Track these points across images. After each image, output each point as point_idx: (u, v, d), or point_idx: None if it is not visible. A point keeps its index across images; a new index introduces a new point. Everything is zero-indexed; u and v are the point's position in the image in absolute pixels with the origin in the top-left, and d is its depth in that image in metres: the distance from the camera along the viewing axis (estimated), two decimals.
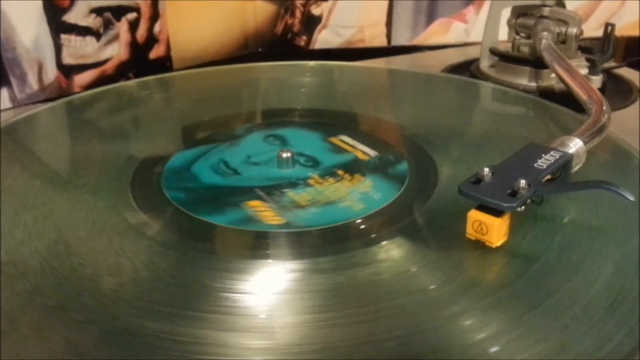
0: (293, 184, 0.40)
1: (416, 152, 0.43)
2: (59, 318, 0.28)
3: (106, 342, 0.27)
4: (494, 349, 0.26)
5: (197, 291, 0.30)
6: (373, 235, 0.34)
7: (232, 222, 0.35)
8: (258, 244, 0.34)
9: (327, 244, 0.34)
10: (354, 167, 0.41)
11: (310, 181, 0.40)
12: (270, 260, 0.32)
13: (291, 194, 0.38)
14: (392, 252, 0.33)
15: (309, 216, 0.36)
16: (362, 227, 0.35)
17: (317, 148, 0.44)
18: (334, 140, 0.46)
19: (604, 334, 0.27)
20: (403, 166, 0.41)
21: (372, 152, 0.43)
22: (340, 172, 0.41)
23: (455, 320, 0.28)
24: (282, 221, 0.35)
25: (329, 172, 0.41)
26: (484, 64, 0.64)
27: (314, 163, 0.42)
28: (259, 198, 0.38)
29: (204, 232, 0.35)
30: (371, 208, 0.36)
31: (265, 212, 0.36)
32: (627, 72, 0.65)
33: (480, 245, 0.32)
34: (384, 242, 0.33)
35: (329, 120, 0.49)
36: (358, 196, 0.38)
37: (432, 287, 0.30)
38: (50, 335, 0.27)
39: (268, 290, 0.30)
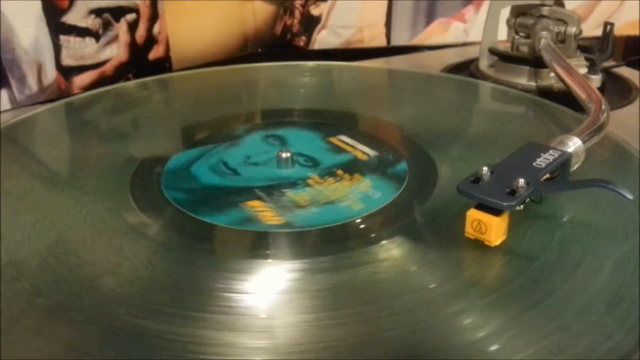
0: (292, 184, 0.40)
1: (415, 152, 0.43)
2: (59, 319, 0.28)
3: (106, 342, 0.27)
4: (493, 348, 0.26)
5: (197, 291, 0.30)
6: (373, 235, 0.34)
7: (232, 222, 0.35)
8: (258, 244, 0.34)
9: (327, 244, 0.34)
10: (353, 167, 0.41)
11: (309, 181, 0.40)
12: (270, 260, 0.32)
13: (290, 193, 0.38)
14: (391, 251, 0.33)
15: (309, 216, 0.36)
16: (362, 226, 0.35)
17: (317, 148, 0.44)
18: (334, 140, 0.46)
19: (603, 332, 0.27)
20: (402, 166, 0.41)
21: (372, 152, 0.43)
22: (339, 172, 0.41)
23: (455, 319, 0.28)
24: (282, 221, 0.35)
25: (329, 172, 0.41)
26: (483, 64, 0.64)
27: (314, 163, 0.42)
28: (259, 198, 0.38)
29: (203, 232, 0.35)
30: (371, 207, 0.36)
31: (265, 212, 0.36)
32: (626, 71, 0.65)
33: (479, 244, 0.32)
34: (383, 242, 0.33)
35: (328, 121, 0.49)
36: (358, 196, 0.38)
37: (431, 286, 0.30)
38: (50, 335, 0.27)
39: (268, 290, 0.30)
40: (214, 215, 0.36)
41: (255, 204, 0.37)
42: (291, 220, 0.35)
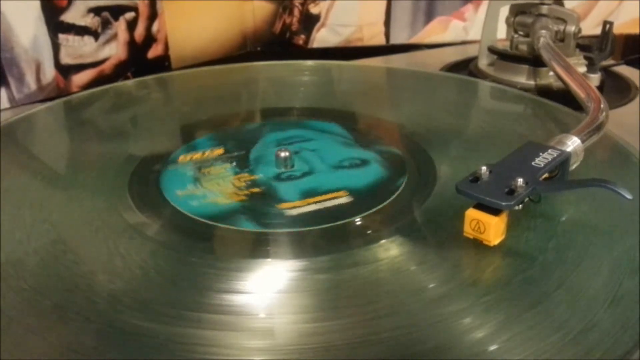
0: (244, 166, 0.42)
1: (415, 151, 0.43)
2: (58, 318, 0.28)
3: (105, 342, 0.27)
4: (492, 347, 0.26)
5: (196, 291, 0.30)
6: (372, 234, 0.34)
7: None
8: (257, 244, 0.34)
9: (327, 243, 0.34)
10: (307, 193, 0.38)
11: (245, 173, 0.41)
12: (269, 260, 0.32)
13: (222, 166, 0.42)
14: (390, 250, 0.33)
15: (172, 175, 0.41)
16: (361, 226, 0.35)
17: (346, 178, 0.40)
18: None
19: (602, 332, 0.27)
20: (401, 164, 0.41)
21: (348, 200, 0.37)
22: (264, 189, 0.39)
23: (454, 319, 0.28)
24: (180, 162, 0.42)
25: (269, 183, 0.39)
26: (483, 63, 0.64)
27: (300, 177, 0.40)
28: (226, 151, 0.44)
29: (202, 231, 0.35)
30: (181, 207, 0.37)
31: (186, 157, 0.43)
32: (625, 70, 0.65)
33: (478, 244, 0.32)
34: (382, 241, 0.33)
35: (327, 119, 0.49)
36: (201, 198, 0.38)
37: (430, 285, 0.30)
38: (49, 335, 0.27)
39: (267, 290, 0.30)
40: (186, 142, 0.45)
41: (218, 151, 0.44)
42: (165, 165, 0.42)
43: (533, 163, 0.34)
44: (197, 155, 0.43)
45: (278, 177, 0.40)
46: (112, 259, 0.32)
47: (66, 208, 0.37)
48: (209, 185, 0.39)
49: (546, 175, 0.34)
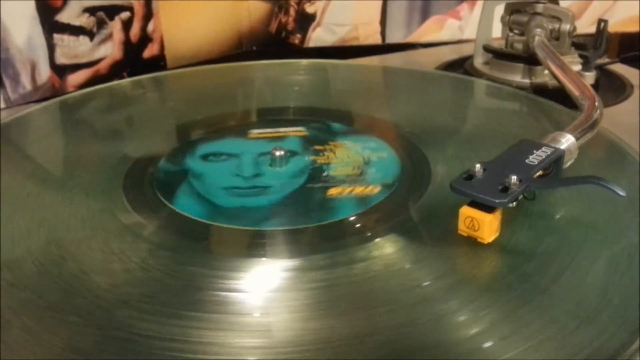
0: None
1: (410, 149, 0.43)
2: (55, 319, 0.28)
3: (101, 342, 0.27)
4: (487, 344, 0.26)
5: (192, 290, 0.30)
6: (367, 233, 0.34)
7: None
8: (252, 243, 0.34)
9: (322, 242, 0.34)
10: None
11: None
12: (264, 259, 0.32)
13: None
14: (385, 249, 0.33)
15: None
16: (356, 224, 0.35)
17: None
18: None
19: (596, 328, 0.27)
20: (397, 163, 0.41)
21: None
22: None
23: (449, 316, 0.28)
24: None
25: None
26: (478, 61, 0.64)
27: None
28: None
29: (197, 231, 0.35)
30: None
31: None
32: (620, 68, 0.65)
33: (472, 242, 0.32)
34: (377, 239, 0.33)
35: (324, 119, 0.49)
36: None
37: (425, 283, 0.30)
38: (46, 336, 0.27)
39: (263, 289, 0.30)
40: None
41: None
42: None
43: (527, 161, 0.34)
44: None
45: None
46: (108, 260, 0.32)
47: (60, 208, 0.37)
48: None
49: (540, 172, 0.34)
